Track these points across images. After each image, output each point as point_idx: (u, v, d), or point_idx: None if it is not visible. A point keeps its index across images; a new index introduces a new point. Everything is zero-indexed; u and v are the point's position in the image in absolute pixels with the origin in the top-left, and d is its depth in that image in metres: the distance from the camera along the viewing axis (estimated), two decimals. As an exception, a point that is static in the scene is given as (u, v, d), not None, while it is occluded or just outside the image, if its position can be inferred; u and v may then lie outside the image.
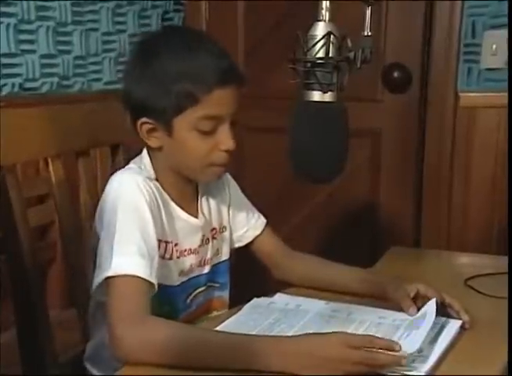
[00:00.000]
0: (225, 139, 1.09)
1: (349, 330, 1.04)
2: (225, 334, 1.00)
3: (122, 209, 1.05)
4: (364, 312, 1.13)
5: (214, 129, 1.09)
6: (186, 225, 1.16)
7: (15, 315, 1.20)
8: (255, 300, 1.21)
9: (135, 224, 1.04)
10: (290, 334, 1.03)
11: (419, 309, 1.10)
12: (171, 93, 1.06)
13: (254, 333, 1.05)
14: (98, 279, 1.03)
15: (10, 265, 1.19)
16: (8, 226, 1.17)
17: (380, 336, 0.97)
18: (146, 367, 0.93)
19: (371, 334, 1.00)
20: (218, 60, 1.07)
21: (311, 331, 0.98)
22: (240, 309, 1.17)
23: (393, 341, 0.93)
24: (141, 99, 1.09)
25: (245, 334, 0.98)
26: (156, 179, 1.13)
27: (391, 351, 0.90)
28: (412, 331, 1.01)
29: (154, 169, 1.14)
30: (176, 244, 1.14)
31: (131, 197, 1.06)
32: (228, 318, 1.12)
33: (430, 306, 1.08)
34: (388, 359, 0.90)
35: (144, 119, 1.09)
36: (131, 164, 1.16)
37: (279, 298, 1.22)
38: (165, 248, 1.12)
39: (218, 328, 1.08)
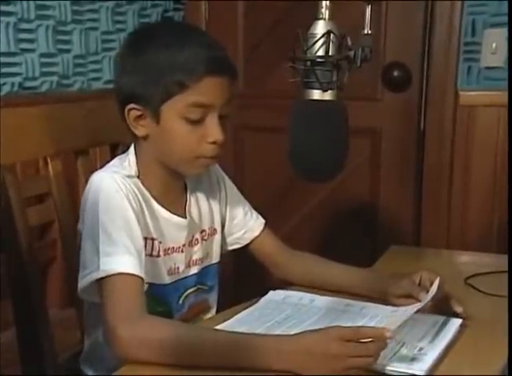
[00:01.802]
0: (212, 130, 1.08)
1: (360, 324, 1.05)
2: (225, 333, 1.00)
3: (103, 208, 1.04)
4: (377, 307, 1.14)
5: (202, 119, 1.07)
6: (169, 224, 1.14)
7: (14, 314, 1.20)
8: (272, 292, 1.23)
9: (118, 222, 1.04)
10: (298, 329, 1.02)
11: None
12: (161, 80, 1.05)
13: (264, 327, 1.06)
14: (84, 280, 1.03)
15: (9, 264, 1.19)
16: (7, 226, 1.17)
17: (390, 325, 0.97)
18: (144, 367, 0.93)
19: (381, 325, 1.00)
20: (209, 50, 1.07)
21: (321, 326, 0.98)
22: (255, 303, 1.18)
23: (382, 328, 0.91)
24: (130, 86, 1.08)
25: (245, 333, 0.98)
26: (138, 177, 1.12)
27: (382, 338, 0.90)
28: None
29: (139, 166, 1.12)
30: (160, 242, 1.13)
31: (112, 196, 1.05)
32: (240, 312, 1.13)
33: (434, 285, 1.09)
34: (378, 347, 0.90)
35: (132, 105, 1.08)
36: (114, 161, 1.15)
37: (294, 293, 1.22)
38: (152, 245, 1.11)
39: (228, 322, 1.08)
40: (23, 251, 1.17)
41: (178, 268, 1.17)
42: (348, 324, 1.03)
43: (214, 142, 1.09)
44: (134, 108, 1.09)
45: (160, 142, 1.10)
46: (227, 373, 0.91)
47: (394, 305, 1.14)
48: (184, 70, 1.04)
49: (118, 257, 1.01)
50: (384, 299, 1.17)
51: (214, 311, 1.28)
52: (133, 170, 1.12)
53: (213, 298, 1.28)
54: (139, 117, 1.09)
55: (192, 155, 1.10)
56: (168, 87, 1.05)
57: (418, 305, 1.02)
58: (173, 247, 1.16)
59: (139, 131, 1.11)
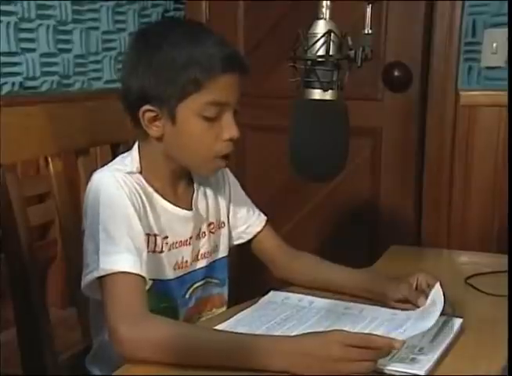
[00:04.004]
0: (228, 127, 1.08)
1: (360, 326, 1.05)
2: (226, 333, 1.00)
3: (104, 206, 1.04)
4: (377, 310, 1.14)
5: (218, 117, 1.08)
6: (174, 217, 1.15)
7: (14, 314, 1.20)
8: (272, 293, 1.23)
9: (119, 220, 1.04)
10: (299, 330, 1.03)
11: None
12: (176, 80, 1.05)
13: (264, 328, 1.06)
14: (86, 278, 1.03)
15: (10, 264, 1.19)
16: (8, 225, 1.17)
17: (390, 329, 0.99)
18: (145, 366, 0.93)
19: (382, 328, 1.02)
20: (223, 47, 1.07)
21: (321, 328, 0.98)
22: (255, 303, 1.19)
23: (392, 339, 0.92)
24: (144, 88, 1.07)
25: (246, 334, 0.98)
26: (141, 173, 1.11)
27: (391, 348, 0.90)
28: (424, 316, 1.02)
29: (142, 162, 1.12)
30: (166, 237, 1.13)
31: (112, 194, 1.05)
32: (240, 312, 1.14)
33: (437, 291, 1.08)
34: (379, 353, 0.90)
35: (147, 107, 1.08)
36: (117, 158, 1.15)
37: (293, 294, 1.22)
38: (154, 242, 1.11)
39: (228, 322, 1.09)
40: (23, 251, 1.17)
41: (186, 261, 1.17)
42: (348, 327, 1.03)
43: (230, 139, 1.09)
44: (149, 110, 1.08)
45: (176, 141, 1.10)
46: (227, 373, 0.91)
47: (393, 308, 1.14)
48: (200, 69, 1.04)
49: (118, 256, 1.01)
50: (383, 302, 1.17)
51: (226, 305, 1.28)
52: (135, 166, 1.11)
53: (224, 292, 1.28)
54: (154, 117, 1.09)
55: (209, 154, 1.10)
56: (184, 86, 1.05)
57: (431, 319, 1.00)
58: (180, 241, 1.16)
59: (153, 132, 1.10)
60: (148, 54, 1.07)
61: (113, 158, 1.19)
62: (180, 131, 1.09)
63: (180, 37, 1.07)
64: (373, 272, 1.34)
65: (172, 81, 1.05)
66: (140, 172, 1.12)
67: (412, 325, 1.02)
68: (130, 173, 1.10)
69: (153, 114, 1.08)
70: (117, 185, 1.06)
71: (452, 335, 1.03)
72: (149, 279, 1.05)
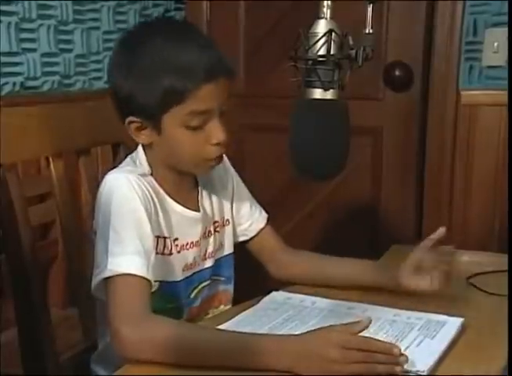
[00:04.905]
0: (215, 132, 1.07)
1: None
2: (229, 333, 1.00)
3: (116, 208, 1.04)
4: (379, 310, 1.14)
5: (204, 124, 1.07)
6: (184, 219, 1.15)
7: (15, 314, 1.20)
8: (274, 293, 1.23)
9: (130, 222, 1.04)
10: (301, 331, 1.02)
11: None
12: (157, 91, 1.03)
13: (266, 328, 1.06)
14: (96, 280, 1.03)
15: (11, 264, 1.19)
16: (9, 225, 1.17)
17: (392, 334, 1.00)
18: (145, 366, 0.93)
19: (384, 331, 1.02)
20: (204, 54, 1.04)
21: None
22: (257, 303, 1.19)
23: (392, 344, 0.92)
24: (127, 98, 1.07)
25: (249, 333, 0.98)
26: (151, 174, 1.12)
27: (390, 354, 0.90)
28: (425, 339, 1.01)
29: (149, 164, 1.13)
30: (176, 239, 1.13)
31: (124, 196, 1.05)
32: (242, 312, 1.14)
33: (453, 323, 1.07)
34: (388, 360, 0.90)
35: (131, 118, 1.08)
36: (127, 159, 1.15)
37: (295, 295, 1.22)
38: (164, 244, 1.12)
39: (230, 322, 1.09)
40: (24, 251, 1.17)
41: (195, 262, 1.17)
42: None
43: (217, 144, 1.09)
44: (134, 121, 1.08)
45: (165, 149, 1.10)
46: (229, 373, 0.90)
47: (405, 286, 1.15)
48: (180, 77, 1.03)
49: (125, 257, 1.01)
50: (393, 284, 1.17)
51: (231, 302, 1.28)
52: (146, 168, 1.12)
53: (230, 289, 1.28)
54: (140, 127, 1.09)
55: (198, 158, 1.10)
56: (165, 98, 1.04)
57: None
58: (192, 242, 1.16)
59: (142, 140, 1.11)
60: (130, 64, 1.06)
61: (114, 158, 1.19)
62: (166, 140, 1.09)
63: (160, 45, 1.04)
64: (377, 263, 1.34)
65: (154, 93, 1.04)
66: (151, 174, 1.12)
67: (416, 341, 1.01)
68: (142, 175, 1.10)
69: (138, 125, 1.09)
70: (130, 186, 1.06)
71: (452, 335, 1.03)
72: (157, 280, 1.05)
